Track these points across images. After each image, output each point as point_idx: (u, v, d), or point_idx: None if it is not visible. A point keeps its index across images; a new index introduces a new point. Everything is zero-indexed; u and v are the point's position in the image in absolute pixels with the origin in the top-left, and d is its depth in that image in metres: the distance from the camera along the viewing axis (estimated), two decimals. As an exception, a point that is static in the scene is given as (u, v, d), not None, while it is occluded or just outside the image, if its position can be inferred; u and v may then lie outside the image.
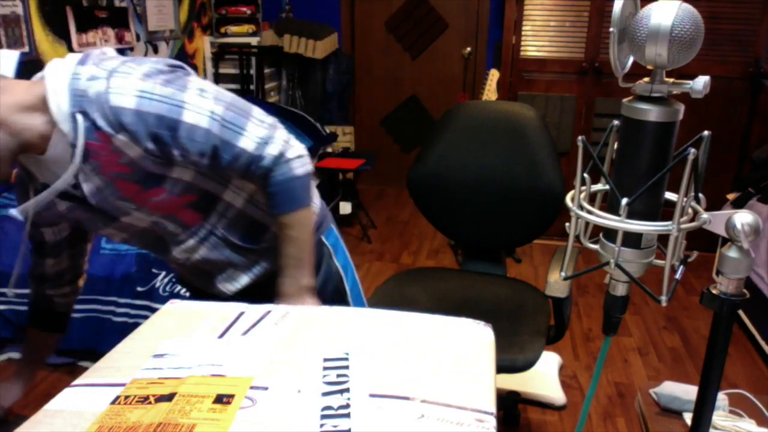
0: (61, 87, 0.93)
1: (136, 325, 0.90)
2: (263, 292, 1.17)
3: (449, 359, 0.80)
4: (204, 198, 1.10)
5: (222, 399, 0.71)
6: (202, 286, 1.27)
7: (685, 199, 0.82)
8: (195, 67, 4.05)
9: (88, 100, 0.93)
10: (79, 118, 0.93)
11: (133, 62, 0.98)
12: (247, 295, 1.21)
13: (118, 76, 0.94)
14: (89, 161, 0.98)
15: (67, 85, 0.94)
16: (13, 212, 1.02)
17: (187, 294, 1.38)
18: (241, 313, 0.93)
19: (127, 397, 0.73)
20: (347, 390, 0.73)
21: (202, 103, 0.99)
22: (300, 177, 1.09)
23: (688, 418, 1.41)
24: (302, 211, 1.11)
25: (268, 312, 0.93)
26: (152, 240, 1.17)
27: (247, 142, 1.02)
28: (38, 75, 0.98)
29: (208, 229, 1.15)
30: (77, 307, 2.29)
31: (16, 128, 0.92)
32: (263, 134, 1.04)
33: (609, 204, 0.87)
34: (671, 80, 0.80)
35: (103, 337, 2.27)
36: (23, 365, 1.28)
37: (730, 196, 3.10)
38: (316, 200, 1.28)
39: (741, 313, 2.68)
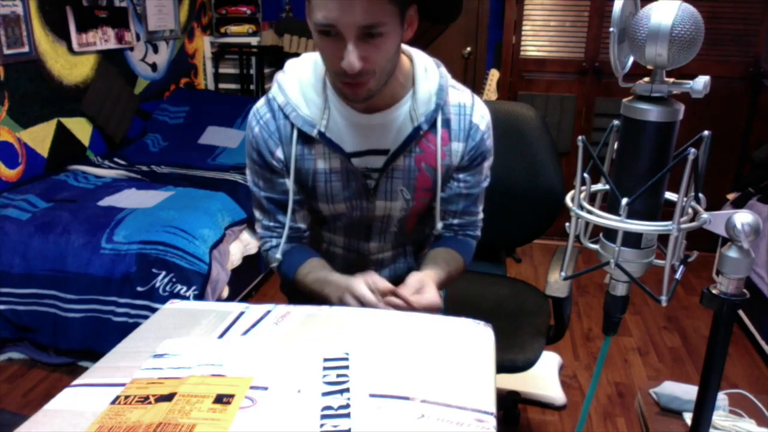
0: None
1: (136, 325, 0.90)
2: None
3: (449, 359, 0.80)
4: None
5: (222, 399, 0.71)
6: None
7: (685, 199, 0.82)
8: (195, 67, 4.07)
9: None
10: None
11: None
12: None
13: None
14: None
15: None
16: None
17: (188, 294, 1.38)
18: (241, 313, 0.93)
19: (127, 397, 0.73)
20: (347, 390, 0.73)
21: None
22: None
23: (688, 418, 1.41)
24: None
25: (268, 312, 0.93)
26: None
27: None
28: None
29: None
30: (77, 307, 2.30)
31: None
32: None
33: (609, 204, 0.87)
34: (671, 80, 0.80)
35: (103, 337, 2.27)
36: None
37: (730, 196, 3.09)
38: None
39: (741, 313, 2.68)
